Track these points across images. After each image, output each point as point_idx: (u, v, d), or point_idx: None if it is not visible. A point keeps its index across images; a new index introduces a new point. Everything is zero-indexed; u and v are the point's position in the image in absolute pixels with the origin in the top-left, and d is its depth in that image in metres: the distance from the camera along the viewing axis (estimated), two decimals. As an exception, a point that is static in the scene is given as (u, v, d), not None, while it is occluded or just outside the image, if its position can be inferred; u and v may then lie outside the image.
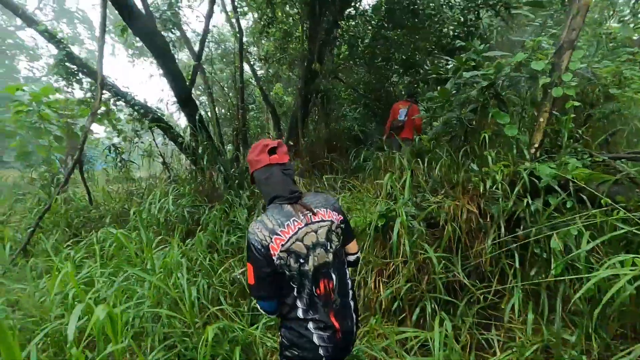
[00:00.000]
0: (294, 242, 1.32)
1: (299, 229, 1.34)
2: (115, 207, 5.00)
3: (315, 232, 1.37)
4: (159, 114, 5.47)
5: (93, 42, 29.06)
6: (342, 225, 1.46)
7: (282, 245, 1.30)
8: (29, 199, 5.47)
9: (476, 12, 5.97)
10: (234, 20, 6.95)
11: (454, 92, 3.27)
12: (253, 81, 10.47)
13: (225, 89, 10.15)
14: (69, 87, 5.04)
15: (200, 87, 11.61)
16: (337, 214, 1.45)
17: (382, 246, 2.75)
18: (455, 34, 6.35)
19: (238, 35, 6.45)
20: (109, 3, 3.89)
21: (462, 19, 6.28)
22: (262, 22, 7.39)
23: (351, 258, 1.58)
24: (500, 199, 2.56)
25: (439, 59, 7.27)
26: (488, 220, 2.64)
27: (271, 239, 1.30)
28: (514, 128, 2.64)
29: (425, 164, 3.10)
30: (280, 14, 7.78)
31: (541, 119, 2.64)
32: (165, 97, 30.44)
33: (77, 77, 5.11)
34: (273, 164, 1.38)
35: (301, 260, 1.33)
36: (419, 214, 2.76)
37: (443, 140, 3.09)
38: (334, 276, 1.40)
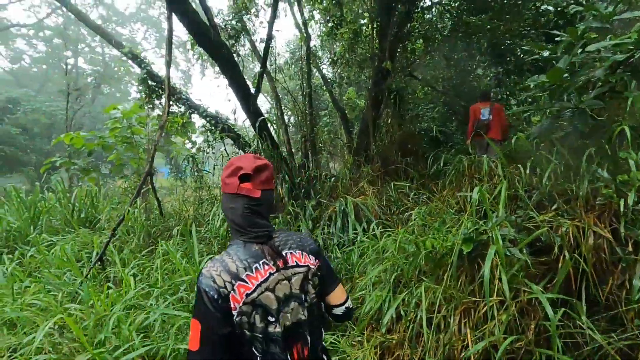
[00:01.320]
0: (262, 292, 1.00)
1: (270, 274, 1.03)
2: (188, 216, 5.15)
3: (289, 280, 1.07)
4: (228, 124, 5.52)
5: (187, 64, 32.54)
6: (319, 273, 1.16)
7: (247, 295, 0.98)
8: (119, 208, 5.97)
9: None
10: (301, 25, 6.81)
11: (566, 76, 2.48)
12: (324, 87, 10.31)
13: (300, 97, 10.17)
14: (150, 103, 5.36)
15: (268, 97, 11.90)
16: (314, 258, 1.15)
17: (469, 278, 2.14)
18: (558, 9, 5.21)
19: (305, 39, 6.26)
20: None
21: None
22: (330, 24, 7.13)
23: (338, 311, 1.21)
24: (651, 220, 1.77)
25: (537, 42, 6.12)
26: (630, 248, 1.86)
27: (233, 286, 0.97)
28: (671, 117, 1.82)
29: (527, 171, 2.38)
30: (348, 15, 7.43)
31: None
32: (234, 106, 32.65)
33: (158, 93, 5.42)
34: (239, 194, 1.06)
35: (270, 319, 1.01)
36: (521, 237, 2.08)
37: (552, 138, 2.34)
38: (309, 339, 1.08)
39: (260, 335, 0.99)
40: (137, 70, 5.78)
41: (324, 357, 1.15)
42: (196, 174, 6.48)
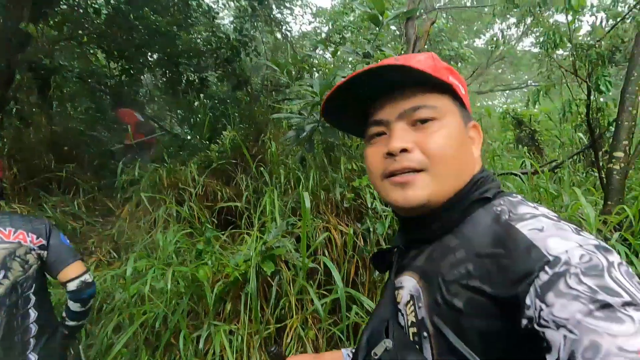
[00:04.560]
0: None
1: None
2: None
3: None
4: None
5: None
6: (40, 252, 1.24)
7: None
8: None
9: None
10: None
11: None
12: None
13: None
14: None
15: None
16: (35, 236, 1.23)
17: (262, 305, 1.78)
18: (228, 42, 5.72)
19: None
20: None
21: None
22: None
23: (72, 285, 1.23)
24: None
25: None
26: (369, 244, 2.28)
27: None
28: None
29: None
30: None
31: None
32: None
33: None
34: None
35: None
36: (297, 246, 2.02)
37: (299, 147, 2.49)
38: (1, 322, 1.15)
39: None
40: None
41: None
42: None
